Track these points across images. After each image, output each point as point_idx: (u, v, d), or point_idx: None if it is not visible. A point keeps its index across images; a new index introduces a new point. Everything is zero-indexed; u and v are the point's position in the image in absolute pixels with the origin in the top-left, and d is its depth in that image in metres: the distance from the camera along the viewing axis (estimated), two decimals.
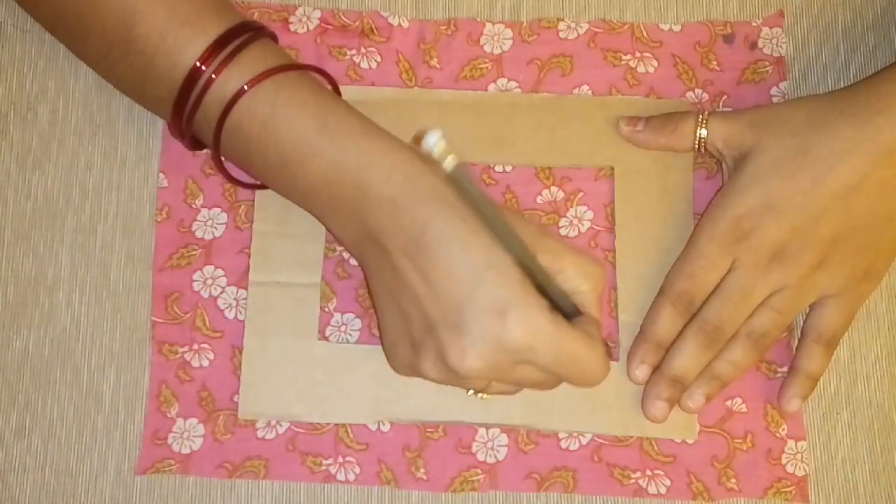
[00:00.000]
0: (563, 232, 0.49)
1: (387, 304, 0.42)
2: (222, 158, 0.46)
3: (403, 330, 0.41)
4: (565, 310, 0.42)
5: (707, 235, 0.45)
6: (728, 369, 0.46)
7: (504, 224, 0.38)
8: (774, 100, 0.50)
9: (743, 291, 0.45)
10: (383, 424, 0.47)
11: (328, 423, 0.47)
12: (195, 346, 0.48)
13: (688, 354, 0.45)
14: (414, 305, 0.40)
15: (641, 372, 0.46)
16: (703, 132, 0.47)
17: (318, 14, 0.51)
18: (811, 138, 0.44)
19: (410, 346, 0.41)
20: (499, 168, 0.50)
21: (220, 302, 0.48)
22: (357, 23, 0.51)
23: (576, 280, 0.41)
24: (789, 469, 0.47)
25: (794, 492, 0.47)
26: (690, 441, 0.47)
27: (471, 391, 0.45)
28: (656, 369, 0.46)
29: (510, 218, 0.39)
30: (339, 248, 0.49)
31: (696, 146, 0.47)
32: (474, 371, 0.39)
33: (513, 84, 0.50)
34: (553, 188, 0.50)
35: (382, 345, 0.44)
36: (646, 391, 0.46)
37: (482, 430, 0.47)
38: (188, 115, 0.43)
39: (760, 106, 0.49)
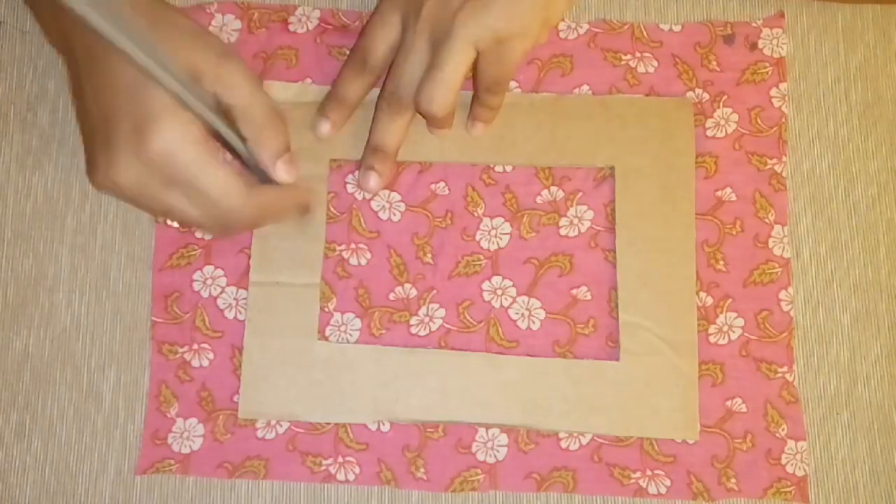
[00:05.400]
0: (563, 232, 0.49)
1: (78, 107, 0.43)
2: None
3: (84, 137, 0.42)
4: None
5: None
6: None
7: (155, 54, 0.37)
8: (774, 101, 0.50)
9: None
10: (383, 424, 0.47)
11: (328, 423, 0.47)
12: (195, 346, 0.48)
13: (382, 125, 0.47)
14: (84, 114, 0.41)
15: (324, 128, 0.48)
16: None
17: (317, 14, 0.51)
18: None
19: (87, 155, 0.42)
20: (499, 168, 0.50)
21: (219, 302, 0.48)
22: (357, 23, 0.51)
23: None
24: (789, 469, 0.47)
25: (793, 492, 0.47)
26: (692, 441, 0.47)
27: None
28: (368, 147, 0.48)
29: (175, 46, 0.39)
30: (338, 248, 0.49)
31: None
32: (123, 185, 0.40)
33: (513, 84, 0.50)
34: (553, 188, 0.49)
35: None
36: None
37: (482, 430, 0.47)
38: None
39: None
